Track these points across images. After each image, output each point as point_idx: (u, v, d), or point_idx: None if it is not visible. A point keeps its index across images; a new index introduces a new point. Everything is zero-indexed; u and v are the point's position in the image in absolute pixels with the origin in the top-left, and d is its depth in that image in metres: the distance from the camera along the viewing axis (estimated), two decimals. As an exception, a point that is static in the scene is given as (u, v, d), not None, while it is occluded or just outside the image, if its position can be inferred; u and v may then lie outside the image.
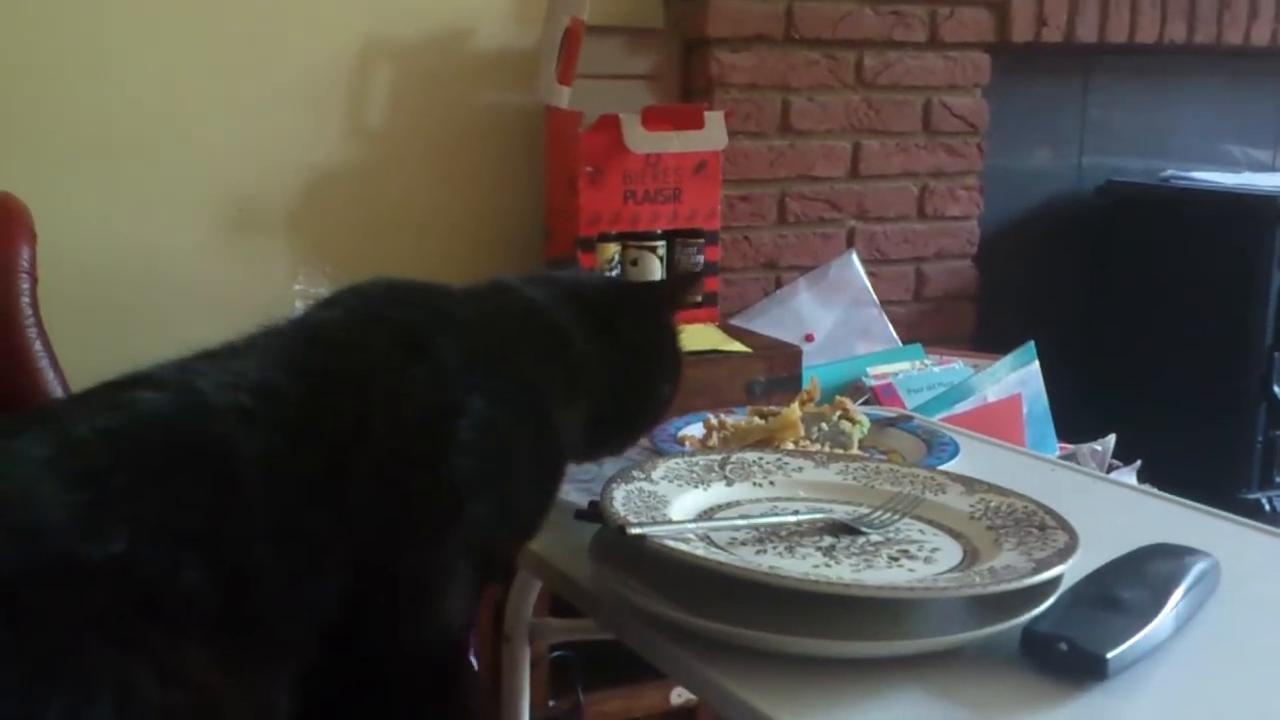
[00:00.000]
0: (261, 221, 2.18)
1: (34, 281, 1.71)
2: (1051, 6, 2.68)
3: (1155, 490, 1.33)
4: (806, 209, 2.52)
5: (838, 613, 0.85)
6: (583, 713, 2.01)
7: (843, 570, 0.91)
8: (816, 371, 2.08)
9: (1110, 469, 2.37)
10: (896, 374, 2.33)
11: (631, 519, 0.93)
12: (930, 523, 1.01)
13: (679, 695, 2.06)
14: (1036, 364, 2.41)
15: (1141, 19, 2.81)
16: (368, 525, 0.83)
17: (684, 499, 1.02)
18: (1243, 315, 2.71)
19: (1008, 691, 0.83)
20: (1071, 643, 0.83)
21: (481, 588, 0.94)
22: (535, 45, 2.26)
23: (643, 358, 1.08)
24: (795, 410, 1.26)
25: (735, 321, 2.39)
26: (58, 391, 1.67)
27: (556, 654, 1.98)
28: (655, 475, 1.05)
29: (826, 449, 1.23)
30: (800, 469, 1.11)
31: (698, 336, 2.07)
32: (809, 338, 2.42)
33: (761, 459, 1.12)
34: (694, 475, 1.07)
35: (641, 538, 0.89)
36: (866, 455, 1.24)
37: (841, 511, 1.02)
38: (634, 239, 2.17)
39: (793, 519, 0.99)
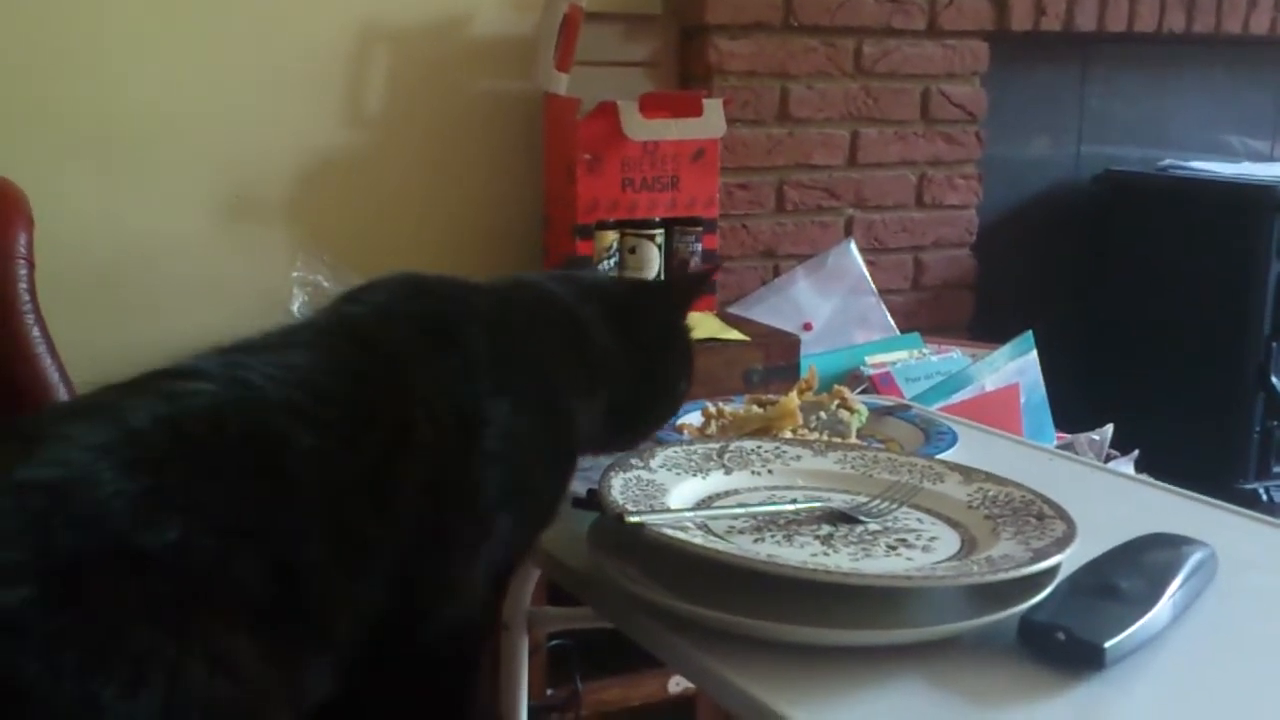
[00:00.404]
0: (259, 208, 2.18)
1: (31, 268, 1.70)
2: (1050, -5, 2.68)
3: (1153, 480, 1.32)
4: (805, 197, 2.52)
5: (835, 601, 0.86)
6: (581, 701, 2.01)
7: (841, 559, 0.91)
8: (814, 360, 2.08)
9: (1108, 459, 2.37)
10: (894, 363, 2.33)
11: (630, 507, 0.93)
12: (928, 512, 1.02)
13: (677, 684, 2.06)
14: (1034, 353, 2.41)
15: (1140, 8, 2.81)
16: (411, 534, 0.85)
17: (682, 487, 1.02)
18: (1241, 305, 2.71)
19: (1005, 680, 0.83)
20: (1069, 632, 0.83)
21: (500, 586, 0.96)
22: (533, 32, 2.25)
23: (660, 353, 1.10)
24: (793, 399, 1.26)
25: (733, 310, 2.39)
26: (55, 378, 1.67)
27: (554, 642, 1.99)
28: (653, 463, 1.05)
29: (824, 438, 1.23)
30: (798, 458, 1.11)
31: (696, 325, 2.06)
32: (807, 326, 2.42)
33: (759, 447, 1.12)
34: (692, 464, 1.07)
35: (640, 526, 0.89)
36: (864, 444, 1.25)
37: (839, 500, 1.02)
38: (632, 227, 2.17)
39: (791, 508, 0.99)
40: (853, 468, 1.09)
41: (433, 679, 0.89)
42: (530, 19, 2.27)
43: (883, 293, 2.53)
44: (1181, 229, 2.85)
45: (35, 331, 1.68)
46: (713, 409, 1.29)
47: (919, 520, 1.00)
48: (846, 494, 1.04)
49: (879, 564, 0.91)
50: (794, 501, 1.01)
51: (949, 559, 0.92)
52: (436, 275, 1.01)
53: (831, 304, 2.48)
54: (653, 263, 2.17)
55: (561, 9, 2.15)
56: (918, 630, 0.86)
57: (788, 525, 0.97)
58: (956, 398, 2.25)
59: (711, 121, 2.17)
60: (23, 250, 1.70)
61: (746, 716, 0.80)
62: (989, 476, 1.05)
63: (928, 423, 1.32)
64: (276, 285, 2.07)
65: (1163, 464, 2.18)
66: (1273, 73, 3.15)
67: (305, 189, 2.21)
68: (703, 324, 2.14)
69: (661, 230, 2.18)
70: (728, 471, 1.07)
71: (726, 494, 1.04)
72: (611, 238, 2.16)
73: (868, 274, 2.52)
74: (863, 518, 0.99)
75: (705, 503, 1.02)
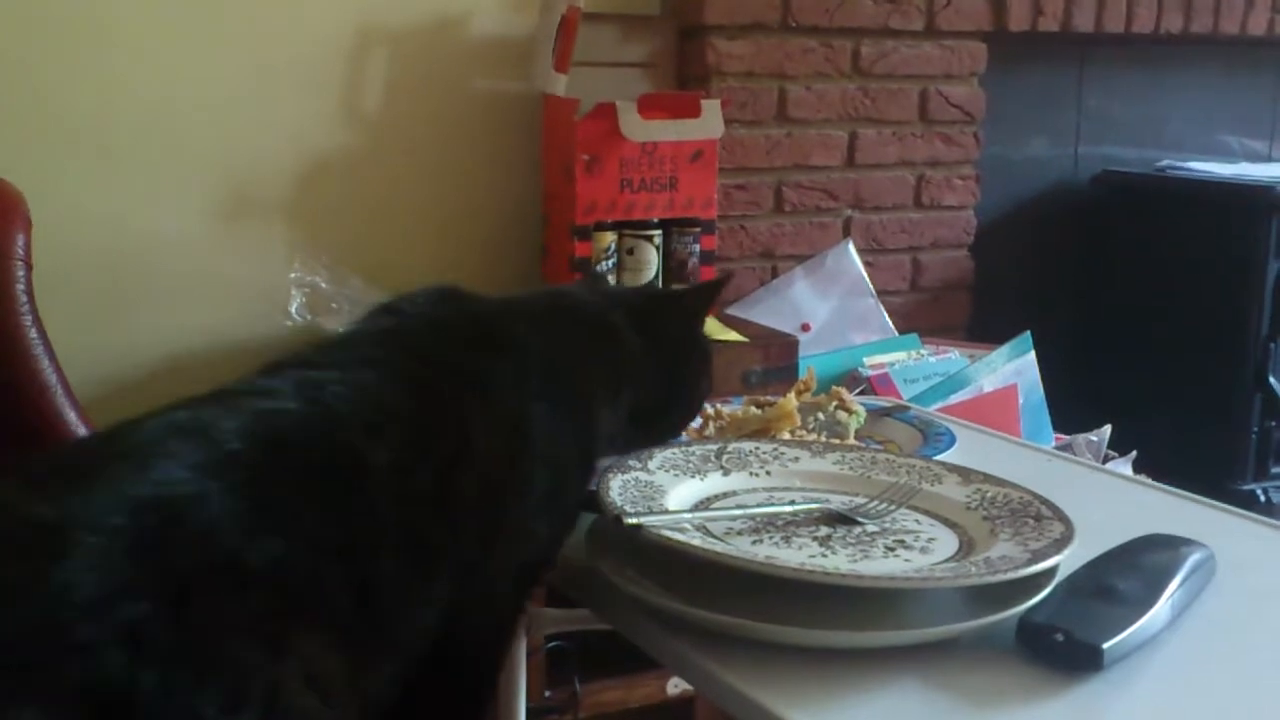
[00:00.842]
0: (257, 208, 2.18)
1: (29, 268, 1.70)
2: (1048, -5, 2.69)
3: (1150, 481, 1.33)
4: (803, 198, 2.52)
5: (834, 603, 0.85)
6: (579, 703, 2.01)
7: (839, 560, 0.91)
8: (813, 361, 2.08)
9: (1106, 459, 2.38)
10: (893, 364, 2.33)
11: (628, 509, 0.93)
12: (926, 513, 1.01)
13: (675, 685, 2.06)
14: (1032, 354, 2.41)
15: (1138, 8, 2.81)
16: (468, 540, 0.86)
17: (680, 489, 1.02)
18: (1238, 306, 2.71)
19: (1003, 682, 0.83)
20: (1067, 633, 0.83)
21: (529, 591, 0.99)
22: (531, 32, 2.25)
23: (683, 355, 1.12)
24: (791, 400, 1.26)
25: (732, 311, 2.39)
26: (53, 379, 1.67)
27: (553, 644, 1.98)
28: (651, 465, 1.05)
29: (823, 439, 1.23)
30: (796, 459, 1.11)
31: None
32: (805, 327, 2.42)
33: (758, 449, 1.12)
34: (690, 465, 1.07)
35: (638, 527, 0.89)
36: (863, 445, 1.24)
37: (838, 501, 1.02)
38: (630, 228, 2.17)
39: (789, 509, 0.99)
40: (851, 469, 1.09)
41: (455, 684, 0.91)
42: (528, 20, 2.27)
43: (881, 293, 2.54)
44: (1179, 230, 2.85)
45: (33, 333, 1.68)
46: (711, 410, 1.29)
47: (917, 521, 1.00)
48: (845, 495, 1.04)
49: (877, 565, 0.91)
50: (792, 503, 1.01)
51: (947, 560, 0.92)
52: (465, 288, 1.04)
53: (830, 305, 2.48)
54: (651, 264, 2.17)
55: (560, 10, 2.15)
56: (916, 632, 0.85)
57: (786, 526, 0.97)
58: (954, 399, 2.25)
59: (710, 122, 2.17)
60: (20, 251, 1.69)
61: (745, 718, 0.80)
62: (987, 477, 1.05)
63: (926, 424, 1.32)
64: (275, 285, 2.07)
65: (1161, 465, 2.18)
66: (1270, 73, 3.15)
67: (304, 190, 2.20)
68: (701, 325, 2.13)
69: (660, 231, 2.18)
70: (726, 473, 1.07)
71: (725, 495, 1.04)
72: (609, 238, 2.16)
73: (866, 275, 2.52)
74: (861, 519, 0.99)
75: (703, 504, 1.02)
